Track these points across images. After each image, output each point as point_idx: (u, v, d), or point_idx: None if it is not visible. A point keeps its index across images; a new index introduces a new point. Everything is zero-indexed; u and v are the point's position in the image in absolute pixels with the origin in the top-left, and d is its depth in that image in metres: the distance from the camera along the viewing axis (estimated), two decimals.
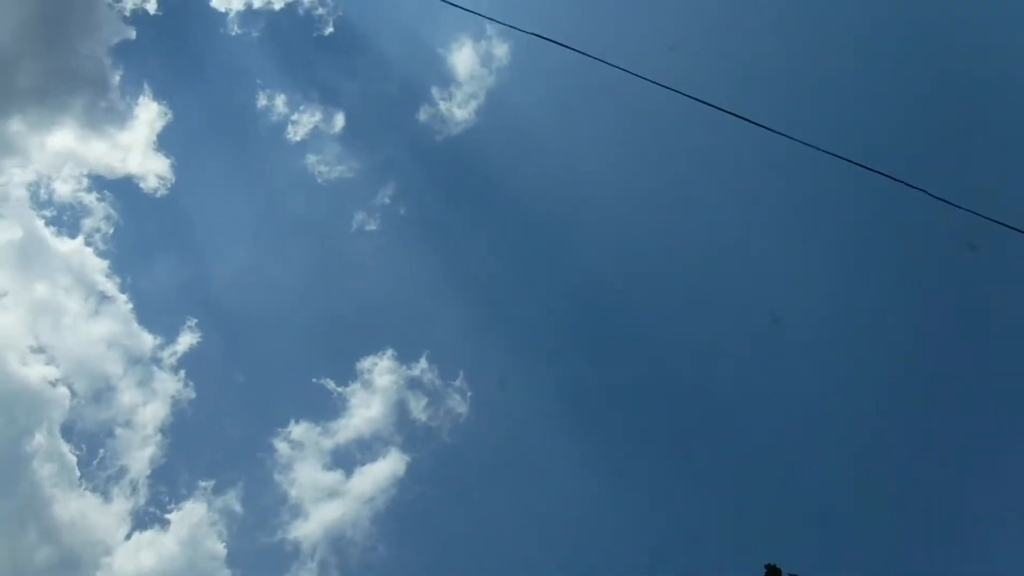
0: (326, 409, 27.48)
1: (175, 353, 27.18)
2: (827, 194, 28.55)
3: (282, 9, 30.44)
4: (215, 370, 29.09)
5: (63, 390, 25.65)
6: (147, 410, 26.57)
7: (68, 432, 25.42)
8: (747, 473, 24.94)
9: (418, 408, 27.40)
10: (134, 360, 27.08)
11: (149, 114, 28.14)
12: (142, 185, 27.85)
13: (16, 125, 26.33)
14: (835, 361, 27.67)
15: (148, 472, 25.79)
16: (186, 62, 31.22)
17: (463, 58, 29.76)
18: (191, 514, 25.09)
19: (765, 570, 5.07)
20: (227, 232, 30.65)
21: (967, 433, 25.54)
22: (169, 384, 26.97)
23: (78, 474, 25.06)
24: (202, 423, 27.86)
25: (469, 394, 27.44)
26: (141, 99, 28.57)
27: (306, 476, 26.45)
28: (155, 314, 28.38)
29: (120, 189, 28.38)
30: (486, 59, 29.66)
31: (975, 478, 24.41)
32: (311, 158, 29.56)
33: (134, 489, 25.59)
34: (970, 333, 26.73)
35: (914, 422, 26.11)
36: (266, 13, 30.27)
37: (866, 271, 28.34)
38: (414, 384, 27.47)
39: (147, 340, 27.29)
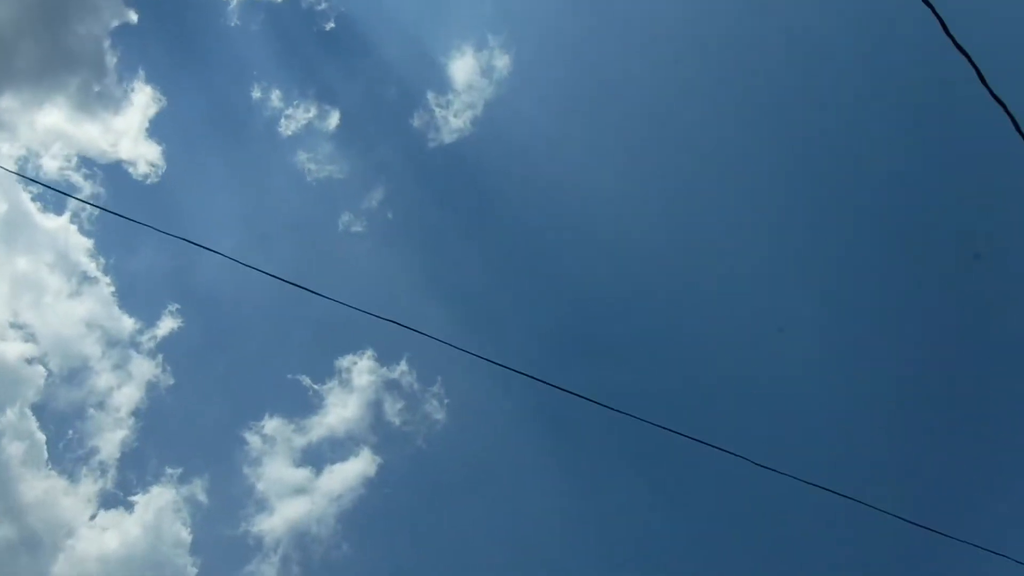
0: (301, 405, 27.46)
1: (154, 338, 27.11)
2: (828, 196, 28.86)
3: (284, 2, 30.62)
4: (193, 358, 29.01)
5: (39, 368, 25.50)
6: (122, 393, 26.45)
7: (40, 411, 25.26)
8: (734, 486, 25.02)
9: (393, 411, 27.44)
10: (112, 342, 26.97)
11: (143, 99, 28.14)
12: (131, 170, 27.79)
13: (8, 102, 26.28)
14: (838, 371, 27.85)
15: (118, 455, 25.66)
16: (185, 49, 31.25)
17: (463, 66, 29.97)
18: (158, 499, 24.98)
19: None
20: (214, 222, 30.62)
21: (973, 447, 25.83)
22: (146, 368, 26.86)
23: (46, 455, 24.90)
24: (176, 410, 27.77)
25: (446, 400, 27.52)
26: (136, 84, 28.56)
27: (275, 471, 26.41)
28: (137, 297, 28.32)
29: (109, 172, 28.32)
30: (487, 69, 29.89)
31: (982, 494, 24.68)
32: (302, 155, 29.64)
33: (102, 471, 25.44)
34: (977, 344, 26.90)
35: (918, 435, 26.38)
36: (267, 5, 30.43)
37: (870, 280, 28.57)
38: (392, 386, 27.53)
39: (127, 323, 27.20)
